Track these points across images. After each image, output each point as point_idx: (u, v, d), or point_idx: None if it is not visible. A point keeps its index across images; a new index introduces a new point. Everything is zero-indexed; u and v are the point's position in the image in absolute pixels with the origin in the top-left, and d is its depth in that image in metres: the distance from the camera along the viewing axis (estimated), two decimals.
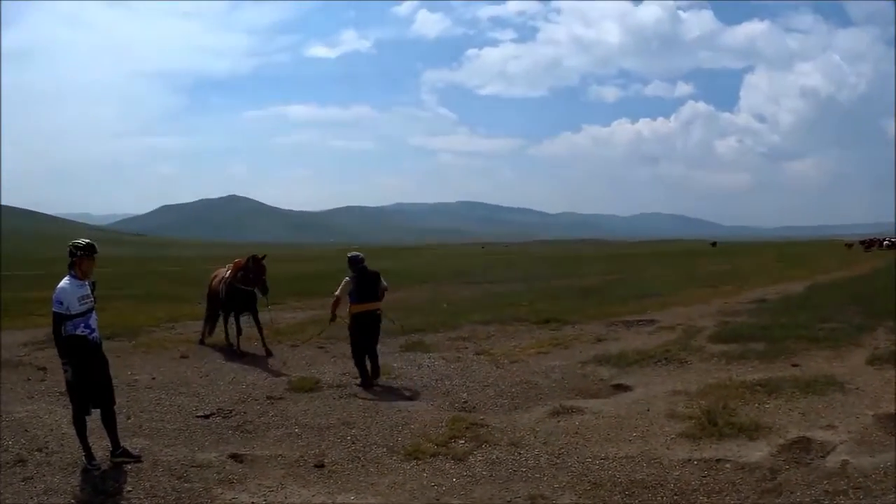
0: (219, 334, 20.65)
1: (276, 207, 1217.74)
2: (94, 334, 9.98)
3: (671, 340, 19.50)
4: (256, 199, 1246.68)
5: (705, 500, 8.54)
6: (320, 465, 10.06)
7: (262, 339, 19.11)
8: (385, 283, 16.64)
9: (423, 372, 16.64)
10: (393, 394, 14.57)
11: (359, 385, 15.33)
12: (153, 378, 15.89)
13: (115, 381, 14.27)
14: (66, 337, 9.68)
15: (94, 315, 10.01)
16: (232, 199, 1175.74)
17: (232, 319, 19.66)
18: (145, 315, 27.04)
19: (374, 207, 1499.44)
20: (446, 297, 36.52)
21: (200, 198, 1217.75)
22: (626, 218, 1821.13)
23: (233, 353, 18.91)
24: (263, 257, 18.97)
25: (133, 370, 16.67)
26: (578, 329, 22.64)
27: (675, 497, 8.63)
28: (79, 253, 9.90)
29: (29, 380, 15.30)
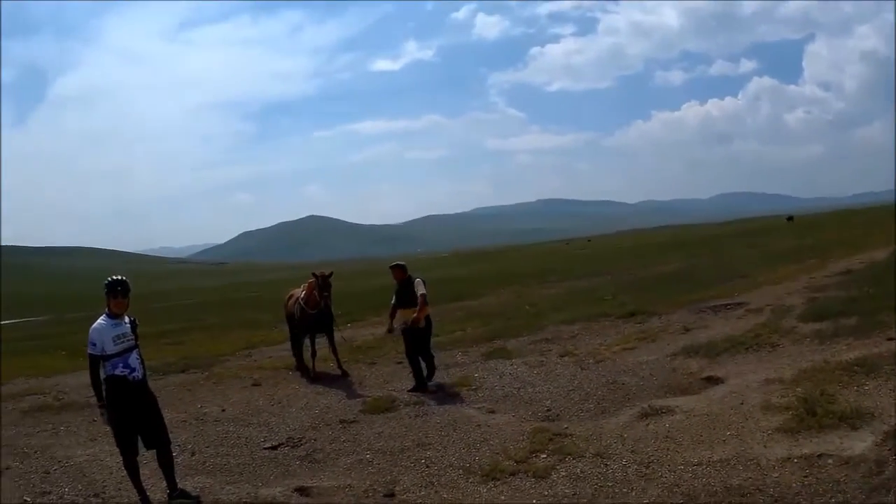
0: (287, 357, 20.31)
1: (356, 223, 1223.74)
2: (136, 374, 9.56)
3: (760, 323, 18.70)
4: (336, 216, 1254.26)
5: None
6: (390, 495, 9.52)
7: (337, 359, 18.67)
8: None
9: (504, 381, 16.02)
10: (473, 407, 13.96)
11: (435, 387, 15.75)
12: (223, 410, 15.52)
13: (183, 416, 13.99)
14: (105, 378, 9.35)
15: (134, 354, 9.60)
16: (311, 220, 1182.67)
17: (307, 342, 19.07)
18: (222, 344, 26.91)
19: (454, 214, 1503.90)
20: (529, 298, 35.96)
21: (279, 221, 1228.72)
22: (706, 200, 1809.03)
23: (307, 376, 18.49)
24: (330, 274, 18.38)
25: (203, 403, 16.35)
26: (665, 320, 22.00)
27: (776, 503, 7.90)
28: (118, 288, 9.57)
29: (94, 421, 14.81)
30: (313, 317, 18.31)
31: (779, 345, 15.97)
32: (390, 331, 17.10)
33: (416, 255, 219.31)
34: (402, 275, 16.60)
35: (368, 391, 16.24)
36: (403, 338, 16.62)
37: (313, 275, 18.37)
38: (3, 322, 59.24)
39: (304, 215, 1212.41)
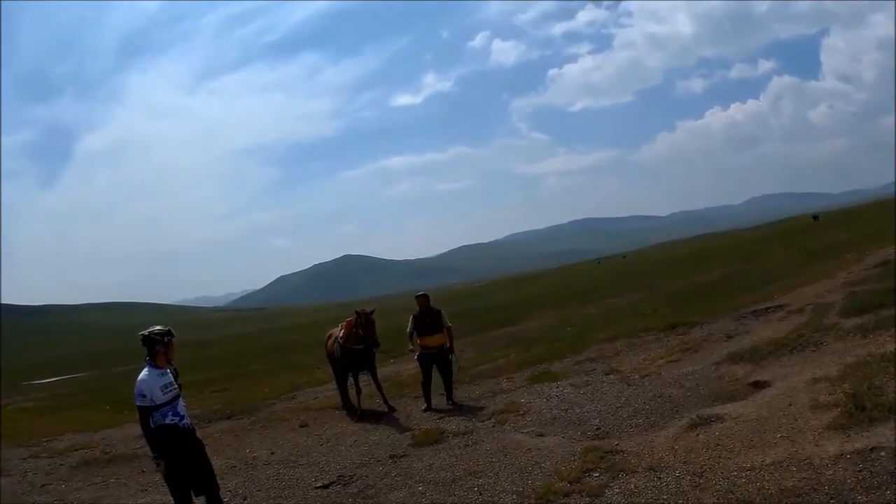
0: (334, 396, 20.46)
1: (391, 260, 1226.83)
2: (185, 421, 9.67)
3: (803, 323, 18.62)
4: (370, 254, 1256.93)
5: (864, 498, 7.75)
6: None
7: (382, 394, 18.65)
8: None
9: (551, 403, 15.95)
10: (522, 432, 13.89)
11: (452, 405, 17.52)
12: (272, 453, 15.55)
13: (232, 462, 14.10)
14: (156, 428, 9.40)
15: (181, 402, 9.72)
16: (346, 259, 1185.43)
17: (351, 380, 19.11)
18: (266, 388, 27.01)
19: (488, 243, 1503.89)
20: (569, 319, 35.93)
21: (315, 263, 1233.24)
22: (738, 205, 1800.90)
23: (354, 414, 18.47)
24: (372, 312, 18.44)
25: (251, 448, 16.42)
26: (707, 329, 21.87)
27: (831, 500, 7.87)
28: (166, 339, 9.65)
29: (143, 472, 15.07)
30: (355, 354, 18.34)
31: (822, 342, 15.85)
32: (413, 351, 18.19)
33: (454, 287, 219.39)
34: (426, 303, 17.81)
35: (416, 424, 16.22)
36: (421, 363, 17.89)
37: (356, 312, 18.44)
38: (50, 380, 59.71)
39: (339, 255, 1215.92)
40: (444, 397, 17.83)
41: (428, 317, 17.74)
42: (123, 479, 14.89)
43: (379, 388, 18.67)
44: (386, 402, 18.47)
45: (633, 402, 14.61)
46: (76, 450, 18.76)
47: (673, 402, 14.03)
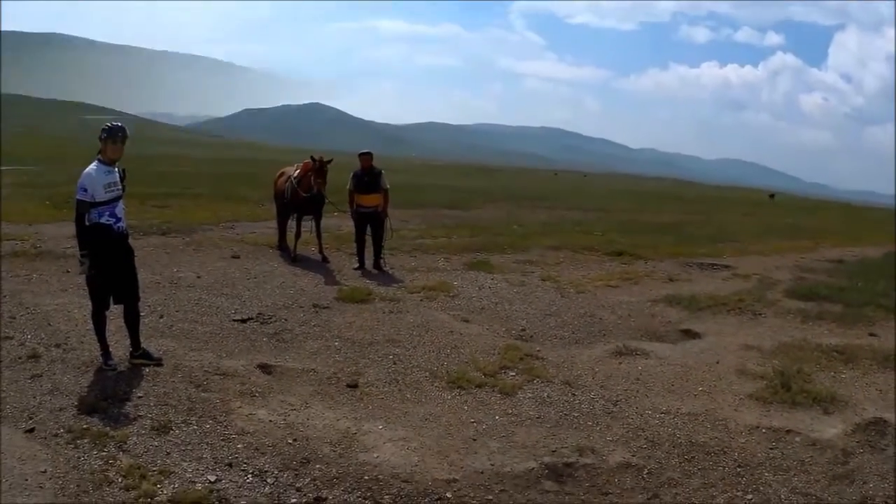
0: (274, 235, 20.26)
1: (359, 118, 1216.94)
2: (120, 224, 9.37)
3: (746, 289, 18.47)
4: (340, 108, 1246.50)
5: (770, 477, 7.76)
6: (353, 385, 9.46)
7: (320, 243, 18.65)
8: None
9: (483, 293, 15.95)
10: (448, 313, 13.90)
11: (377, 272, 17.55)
12: (198, 277, 15.39)
13: (157, 279, 13.89)
14: (90, 226, 9.09)
15: (120, 204, 9.40)
16: (315, 107, 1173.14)
17: (292, 223, 18.96)
18: (207, 213, 26.68)
19: (456, 125, 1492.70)
20: (518, 218, 35.73)
21: (282, 103, 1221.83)
22: (708, 161, 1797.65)
23: (287, 256, 18.42)
24: (329, 161, 18.11)
25: (179, 268, 16.21)
26: (651, 266, 21.76)
27: (738, 469, 7.88)
28: (102, 136, 9.29)
29: (67, 272, 14.80)
30: (304, 199, 18.11)
31: (761, 314, 15.76)
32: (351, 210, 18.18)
33: (412, 160, 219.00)
34: (368, 162, 17.82)
35: (345, 280, 16.21)
36: (356, 221, 17.99)
37: (312, 158, 18.12)
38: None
39: (308, 101, 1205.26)
40: (374, 262, 17.88)
41: (368, 175, 17.76)
42: (46, 277, 14.69)
43: (319, 236, 18.61)
44: (322, 251, 18.47)
45: (564, 314, 14.60)
46: (7, 240, 18.45)
47: (602, 325, 14.02)
